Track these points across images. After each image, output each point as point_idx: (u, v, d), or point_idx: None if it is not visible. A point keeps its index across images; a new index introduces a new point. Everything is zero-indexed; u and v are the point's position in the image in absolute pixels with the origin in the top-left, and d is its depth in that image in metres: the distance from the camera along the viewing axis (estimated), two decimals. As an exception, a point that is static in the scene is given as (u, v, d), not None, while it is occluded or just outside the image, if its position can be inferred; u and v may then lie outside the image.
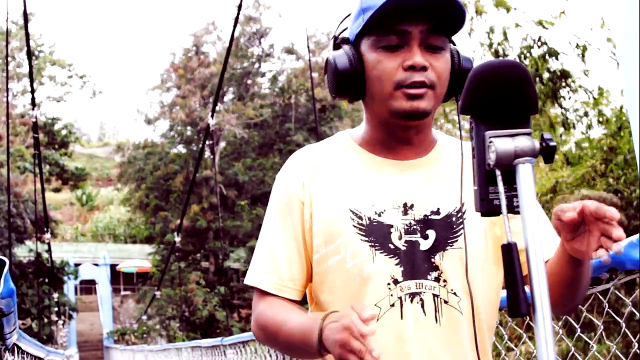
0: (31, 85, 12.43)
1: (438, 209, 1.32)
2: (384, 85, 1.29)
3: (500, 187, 0.91)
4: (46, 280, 21.62)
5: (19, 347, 4.08)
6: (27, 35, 10.23)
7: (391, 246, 1.29)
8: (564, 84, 8.41)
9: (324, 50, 27.17)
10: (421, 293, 1.28)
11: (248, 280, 1.40)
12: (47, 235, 16.79)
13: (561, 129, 8.72)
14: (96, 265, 32.12)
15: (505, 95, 0.92)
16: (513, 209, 0.92)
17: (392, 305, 1.27)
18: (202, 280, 24.22)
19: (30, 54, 12.70)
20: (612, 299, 1.84)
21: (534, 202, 0.89)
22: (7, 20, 12.11)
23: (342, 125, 25.44)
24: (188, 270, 25.14)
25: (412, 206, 1.32)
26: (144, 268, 31.04)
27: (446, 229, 1.31)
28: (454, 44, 1.36)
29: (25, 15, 9.28)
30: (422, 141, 1.38)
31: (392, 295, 1.28)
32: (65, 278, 24.13)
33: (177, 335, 22.63)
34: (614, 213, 1.02)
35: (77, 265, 28.41)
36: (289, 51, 29.15)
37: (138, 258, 32.85)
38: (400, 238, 1.30)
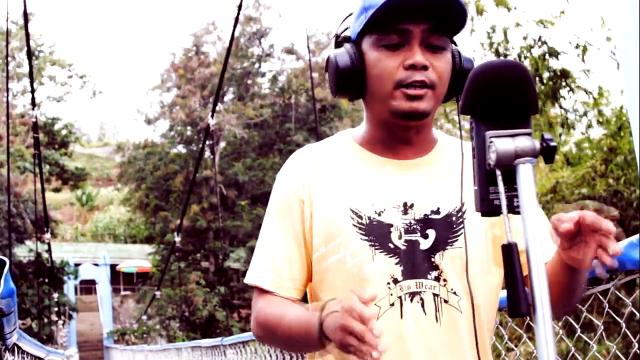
0: (31, 85, 12.43)
1: (438, 208, 1.33)
2: (384, 84, 1.29)
3: (501, 187, 0.91)
4: (46, 280, 21.62)
5: (19, 347, 4.09)
6: (27, 35, 10.23)
7: (391, 245, 1.30)
8: (564, 83, 8.41)
9: (324, 51, 27.17)
10: (421, 292, 1.28)
11: (248, 279, 1.40)
12: (47, 235, 16.79)
13: (560, 129, 8.72)
14: (96, 265, 32.12)
15: (506, 95, 0.92)
16: (513, 209, 0.92)
17: (392, 304, 1.27)
18: (202, 280, 24.22)
19: (30, 54, 12.70)
20: (612, 299, 1.84)
21: (534, 202, 0.89)
22: (7, 20, 12.11)
23: (342, 125, 25.43)
24: (188, 270, 25.14)
25: (412, 206, 1.32)
26: (144, 268, 31.04)
27: (446, 228, 1.31)
28: (456, 44, 1.36)
29: (25, 15, 9.28)
30: (422, 141, 1.38)
31: (391, 294, 1.28)
32: (65, 278, 24.13)
33: (177, 335, 22.63)
34: (610, 226, 1.03)
35: (77, 265, 28.41)
36: (289, 51, 29.15)
37: (138, 258, 32.85)
38: (400, 237, 1.30)
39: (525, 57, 8.59)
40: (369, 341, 1.04)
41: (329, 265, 1.32)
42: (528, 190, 0.89)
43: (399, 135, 1.36)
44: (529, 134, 0.92)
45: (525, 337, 2.30)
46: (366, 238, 1.30)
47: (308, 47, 13.60)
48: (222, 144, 28.45)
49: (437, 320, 1.28)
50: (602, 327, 1.90)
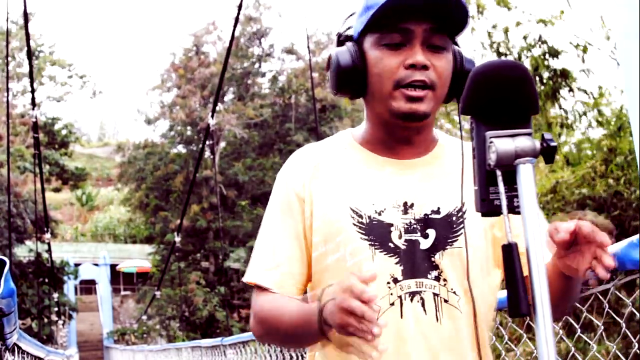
0: (31, 85, 12.44)
1: (438, 208, 1.33)
2: (384, 83, 1.30)
3: (501, 187, 0.91)
4: (46, 280, 21.63)
5: (19, 347, 4.09)
6: (27, 35, 10.23)
7: (391, 245, 1.30)
8: (563, 83, 8.41)
9: (324, 51, 27.18)
10: (421, 292, 1.28)
11: (248, 278, 1.39)
12: (47, 235, 16.80)
13: (559, 129, 8.72)
14: (96, 265, 32.13)
15: (506, 95, 0.92)
16: (513, 209, 0.92)
17: (392, 304, 1.27)
18: (202, 280, 24.22)
19: (30, 54, 12.70)
20: (612, 299, 1.84)
21: (534, 202, 0.89)
22: (7, 20, 12.12)
23: (342, 125, 25.43)
24: (188, 270, 25.15)
25: (412, 205, 1.32)
26: (144, 268, 31.04)
27: (446, 228, 1.31)
28: (458, 45, 1.36)
29: (26, 15, 9.29)
30: (422, 141, 1.38)
31: (391, 294, 1.28)
32: (65, 278, 24.14)
33: (177, 335, 22.63)
34: (604, 239, 1.03)
35: (77, 265, 28.42)
36: (289, 51, 29.16)
37: (138, 258, 32.85)
38: (400, 237, 1.30)
39: (526, 57, 8.59)
40: (369, 318, 1.03)
41: (329, 264, 1.32)
42: (528, 190, 0.89)
43: (399, 135, 1.36)
44: (529, 134, 0.92)
45: (526, 337, 2.30)
46: (366, 237, 1.30)
47: (308, 47, 13.62)
48: (222, 144, 28.46)
49: (437, 320, 1.28)
50: (602, 327, 1.90)
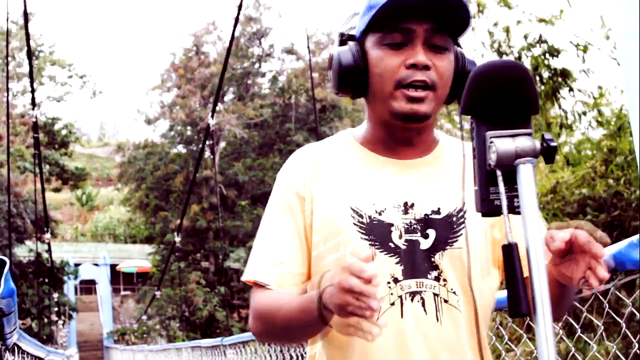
0: (31, 85, 12.44)
1: (439, 208, 1.33)
2: (385, 83, 1.30)
3: (501, 187, 0.92)
4: (46, 280, 21.63)
5: (19, 347, 4.09)
6: (27, 35, 10.23)
7: (391, 245, 1.30)
8: (564, 83, 8.40)
9: (324, 51, 27.18)
10: (421, 292, 1.28)
11: (249, 276, 1.37)
12: (47, 235, 16.80)
13: (558, 130, 8.71)
14: (96, 265, 32.13)
15: (506, 95, 0.92)
16: (514, 210, 0.92)
17: (393, 304, 1.27)
18: (202, 280, 24.22)
19: (30, 54, 12.70)
20: (612, 299, 1.84)
21: (534, 202, 0.89)
22: (7, 20, 12.12)
23: (342, 125, 25.44)
24: (188, 270, 25.15)
25: (412, 205, 1.32)
26: (144, 268, 31.04)
27: (446, 228, 1.31)
28: (460, 46, 1.36)
29: (26, 15, 9.29)
30: (423, 141, 1.38)
31: (392, 294, 1.28)
32: (65, 278, 24.15)
33: (177, 335, 22.64)
34: (599, 251, 1.03)
35: (77, 265, 28.43)
36: (289, 51, 29.16)
37: (138, 258, 32.86)
38: (400, 237, 1.30)
39: (526, 57, 8.59)
40: (367, 294, 1.03)
41: (328, 263, 1.32)
42: (528, 190, 0.89)
43: (400, 135, 1.36)
44: (529, 134, 0.92)
45: (526, 337, 2.30)
46: (366, 237, 1.30)
47: (308, 47, 13.62)
48: (222, 144, 28.46)
49: (437, 320, 1.28)
50: (602, 327, 1.90)
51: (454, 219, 1.32)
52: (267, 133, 28.22)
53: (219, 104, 25.73)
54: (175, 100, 28.02)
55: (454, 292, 1.30)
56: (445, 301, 1.29)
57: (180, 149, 28.89)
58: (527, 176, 0.89)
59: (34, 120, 12.81)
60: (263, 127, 28.20)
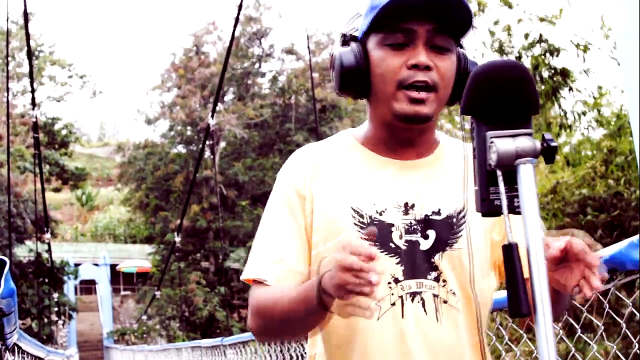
0: (31, 85, 12.44)
1: (439, 209, 1.33)
2: (387, 84, 1.30)
3: (501, 187, 0.91)
4: (46, 280, 21.64)
5: (19, 347, 4.09)
6: (27, 35, 10.24)
7: (392, 245, 1.30)
8: (564, 82, 8.41)
9: (324, 51, 27.18)
10: (422, 292, 1.28)
11: (249, 274, 1.36)
12: (47, 235, 16.80)
13: (558, 130, 8.72)
14: (96, 265, 32.13)
15: (507, 95, 0.92)
16: (514, 210, 0.92)
17: (393, 304, 1.28)
18: (202, 280, 24.22)
19: (30, 54, 12.71)
20: (612, 299, 1.84)
21: (535, 202, 0.89)
22: (7, 20, 12.11)
23: (342, 125, 25.43)
24: (188, 270, 25.15)
25: (413, 206, 1.32)
26: (144, 268, 31.04)
27: (447, 229, 1.31)
28: (463, 48, 1.36)
29: (26, 15, 9.29)
30: (424, 142, 1.38)
31: (392, 294, 1.28)
32: (65, 278, 24.14)
33: (177, 335, 22.64)
34: (593, 260, 1.04)
35: (77, 265, 28.42)
36: (289, 51, 29.16)
37: (138, 258, 32.86)
38: (400, 237, 1.30)
39: (526, 56, 8.59)
40: (366, 269, 1.02)
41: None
42: (529, 190, 0.89)
43: (401, 136, 1.36)
44: (529, 134, 0.92)
45: (525, 337, 2.30)
46: (367, 237, 1.30)
47: (308, 47, 13.63)
48: (222, 144, 28.46)
49: (437, 320, 1.28)
50: (602, 327, 1.90)
51: (454, 220, 1.32)
52: (267, 133, 28.22)
53: (219, 104, 25.73)
54: (175, 100, 28.02)
55: (454, 293, 1.30)
56: (445, 302, 1.29)
57: (180, 149, 28.90)
58: (528, 176, 0.89)
59: (34, 120, 12.82)
60: (263, 127, 28.20)
